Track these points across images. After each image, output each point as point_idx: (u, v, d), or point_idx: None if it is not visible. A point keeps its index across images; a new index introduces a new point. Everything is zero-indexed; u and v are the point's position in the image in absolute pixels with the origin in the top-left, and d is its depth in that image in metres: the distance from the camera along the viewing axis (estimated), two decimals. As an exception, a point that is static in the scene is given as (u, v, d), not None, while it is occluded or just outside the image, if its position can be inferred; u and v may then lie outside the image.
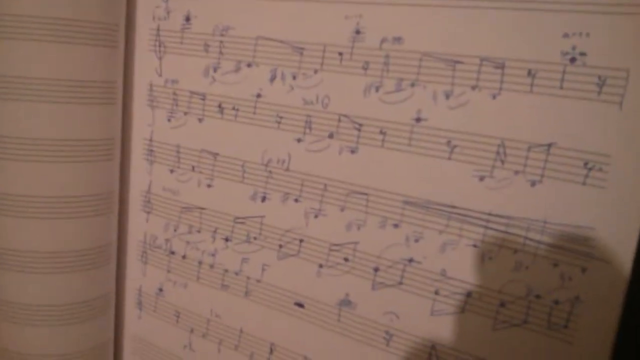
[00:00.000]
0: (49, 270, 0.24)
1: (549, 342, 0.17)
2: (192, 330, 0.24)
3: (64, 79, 0.22)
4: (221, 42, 0.22)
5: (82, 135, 0.23)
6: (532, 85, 0.17)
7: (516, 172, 0.17)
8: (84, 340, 0.25)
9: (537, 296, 0.17)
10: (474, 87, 0.18)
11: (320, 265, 0.21)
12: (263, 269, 0.22)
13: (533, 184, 0.17)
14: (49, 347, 0.24)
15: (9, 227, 0.23)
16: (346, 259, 0.20)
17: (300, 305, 0.21)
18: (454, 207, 0.18)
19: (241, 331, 0.23)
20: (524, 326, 0.17)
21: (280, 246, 0.21)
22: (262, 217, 0.22)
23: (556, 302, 0.17)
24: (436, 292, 0.19)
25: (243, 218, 0.22)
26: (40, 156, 0.23)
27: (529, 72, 0.17)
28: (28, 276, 0.24)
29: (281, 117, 0.21)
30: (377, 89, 0.19)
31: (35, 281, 0.24)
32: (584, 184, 0.16)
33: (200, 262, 0.24)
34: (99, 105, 0.23)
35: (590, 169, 0.16)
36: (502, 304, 0.18)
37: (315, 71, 0.20)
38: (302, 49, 0.20)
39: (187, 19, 0.23)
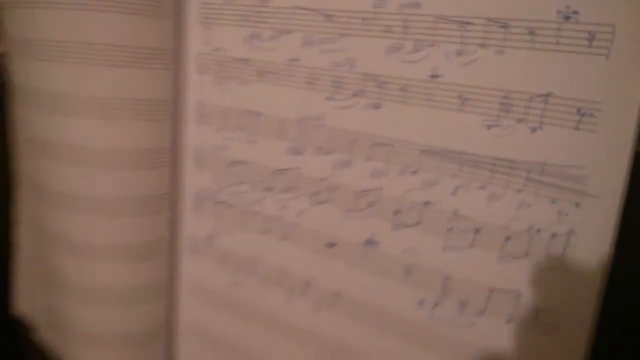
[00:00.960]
0: (111, 214, 0.27)
1: (548, 272, 0.19)
2: (239, 271, 0.27)
3: (126, 45, 0.25)
4: (261, 12, 0.25)
5: (141, 96, 0.26)
6: (532, 42, 0.19)
7: (519, 120, 0.19)
8: (142, 277, 0.28)
9: (538, 230, 0.19)
10: (481, 46, 0.20)
11: (349, 210, 0.23)
12: (299, 215, 0.25)
13: (533, 130, 0.19)
14: (112, 281, 0.28)
15: (75, 175, 0.27)
16: (371, 204, 0.23)
17: (332, 245, 0.24)
18: (465, 153, 0.20)
19: (281, 270, 0.26)
20: (526, 258, 0.20)
21: (314, 194, 0.24)
22: (299, 168, 0.25)
23: (554, 235, 0.19)
24: (449, 230, 0.21)
25: (282, 170, 0.25)
26: (105, 113, 0.26)
27: (529, 31, 0.19)
28: (92, 217, 0.27)
29: (314, 79, 0.24)
30: (397, 50, 0.21)
31: (99, 222, 0.27)
32: (577, 128, 0.18)
33: (245, 211, 0.27)
34: (154, 70, 0.26)
35: (582, 115, 0.18)
36: (507, 239, 0.20)
37: (343, 36, 0.23)
38: (331, 16, 0.23)
39: (231, -8, 0.25)
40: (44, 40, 0.26)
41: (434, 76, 0.21)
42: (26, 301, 0.42)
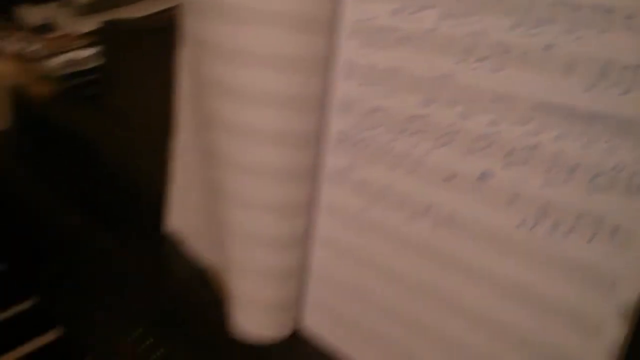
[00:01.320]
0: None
1: (625, 200, 0.25)
2: (370, 197, 0.35)
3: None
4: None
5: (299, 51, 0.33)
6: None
7: (614, 84, 0.25)
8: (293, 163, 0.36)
9: (622, 169, 0.25)
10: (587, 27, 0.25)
11: (467, 151, 0.30)
12: (425, 154, 0.32)
13: (626, 92, 0.25)
14: (272, 161, 0.35)
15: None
16: (486, 146, 0.29)
17: (451, 178, 0.31)
18: (566, 108, 0.26)
19: (406, 196, 0.33)
20: (610, 191, 0.26)
21: (439, 137, 0.31)
22: (428, 116, 0.31)
23: (635, 173, 0.25)
24: (549, 169, 0.27)
25: (413, 117, 0.32)
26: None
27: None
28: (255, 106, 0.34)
29: (448, 45, 0.30)
30: (518, 27, 0.27)
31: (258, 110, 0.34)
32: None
33: (379, 149, 0.34)
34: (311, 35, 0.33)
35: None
36: (596, 175, 0.26)
37: (476, 11, 0.29)
38: (467, -4, 0.29)
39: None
40: None
41: (547, 46, 0.27)
42: (178, 217, 0.52)
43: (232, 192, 0.37)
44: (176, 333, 0.50)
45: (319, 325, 0.40)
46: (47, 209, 0.67)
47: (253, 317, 0.39)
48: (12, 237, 0.76)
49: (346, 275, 0.37)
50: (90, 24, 0.69)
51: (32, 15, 0.72)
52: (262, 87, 0.34)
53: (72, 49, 0.65)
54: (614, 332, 0.26)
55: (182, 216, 0.51)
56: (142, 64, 0.56)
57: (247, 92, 0.34)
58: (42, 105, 0.73)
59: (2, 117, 0.86)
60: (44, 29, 0.72)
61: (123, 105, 0.62)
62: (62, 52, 0.65)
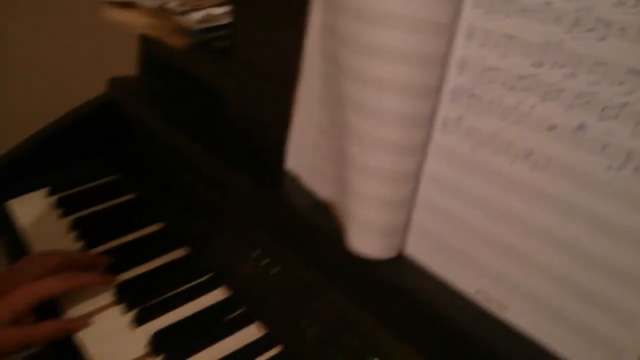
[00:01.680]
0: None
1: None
2: (478, 142, 0.41)
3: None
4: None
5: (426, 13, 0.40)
6: None
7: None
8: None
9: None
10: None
11: (569, 106, 0.36)
12: (531, 107, 0.38)
13: None
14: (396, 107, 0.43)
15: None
16: (585, 103, 0.35)
17: (552, 128, 0.37)
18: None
19: (510, 142, 0.39)
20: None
21: (545, 93, 0.37)
22: (537, 76, 0.37)
23: None
24: (637, 123, 0.33)
25: (524, 76, 0.38)
26: None
27: None
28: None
29: (559, 18, 0.36)
30: (622, 6, 0.33)
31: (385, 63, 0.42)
32: None
33: (490, 102, 0.40)
34: None
35: None
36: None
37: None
38: (580, -24, 0.35)
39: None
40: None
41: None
42: (296, 156, 0.60)
43: (359, 133, 0.45)
44: (290, 253, 0.58)
45: (420, 250, 0.47)
46: (175, 146, 0.77)
47: (366, 239, 0.47)
48: (142, 169, 0.87)
49: (449, 208, 0.44)
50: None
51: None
52: (394, 45, 0.41)
53: (208, 6, 0.74)
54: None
55: (300, 155, 0.59)
56: (272, 19, 0.64)
57: (381, 48, 0.41)
58: (176, 56, 0.83)
59: (133, 64, 0.98)
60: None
61: (252, 58, 0.70)
62: (198, 9, 0.74)
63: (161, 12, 0.82)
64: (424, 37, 0.41)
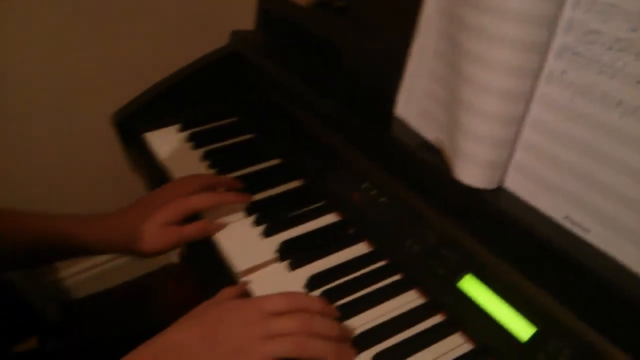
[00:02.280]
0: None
1: None
2: (576, 94, 0.50)
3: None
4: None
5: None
6: None
7: None
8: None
9: None
10: None
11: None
12: (625, 65, 0.46)
13: None
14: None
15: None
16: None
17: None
18: None
19: (613, 97, 0.48)
20: None
21: (638, 54, 0.45)
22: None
23: None
24: None
25: (621, 39, 0.46)
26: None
27: None
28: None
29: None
30: None
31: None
32: None
33: (591, 60, 0.49)
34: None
35: None
36: None
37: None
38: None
39: None
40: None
41: None
42: (406, 103, 0.70)
43: (475, 82, 0.54)
44: (397, 184, 0.69)
45: (517, 183, 0.57)
46: (292, 91, 0.89)
47: (473, 171, 0.57)
48: (261, 112, 0.99)
49: (546, 147, 0.53)
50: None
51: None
52: (512, 6, 0.50)
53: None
54: None
55: (410, 102, 0.69)
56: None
57: (500, 8, 0.50)
58: (296, 12, 0.94)
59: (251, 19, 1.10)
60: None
61: (369, 16, 0.80)
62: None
63: (286, -27, 0.92)
64: (538, 1, 0.49)
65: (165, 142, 0.97)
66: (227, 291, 0.60)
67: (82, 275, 1.64)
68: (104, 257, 1.63)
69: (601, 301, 0.48)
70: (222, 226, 0.74)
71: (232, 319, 0.53)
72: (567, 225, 0.53)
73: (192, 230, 0.71)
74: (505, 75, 0.52)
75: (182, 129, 1.00)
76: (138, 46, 1.33)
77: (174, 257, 1.75)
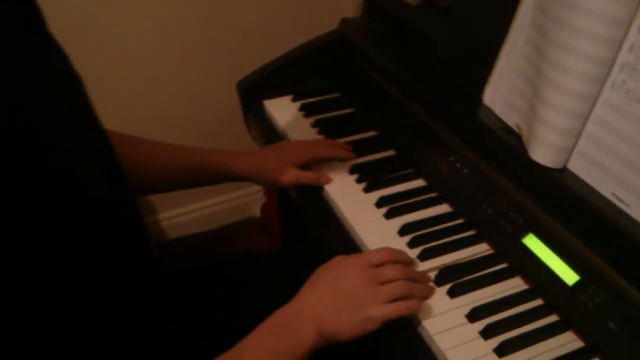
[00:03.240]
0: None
1: None
2: None
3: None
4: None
5: None
6: None
7: None
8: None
9: None
10: None
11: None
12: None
13: None
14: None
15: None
16: None
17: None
18: None
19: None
20: None
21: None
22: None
23: None
24: None
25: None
26: None
27: None
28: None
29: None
30: None
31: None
32: None
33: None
34: None
35: None
36: None
37: None
38: None
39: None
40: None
41: None
42: (494, 92, 0.86)
43: (553, 81, 0.70)
44: (480, 158, 0.85)
45: (579, 165, 0.73)
46: (390, 73, 1.05)
47: (544, 153, 0.73)
48: (361, 90, 1.17)
49: (604, 139, 0.69)
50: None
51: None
52: (590, 29, 0.65)
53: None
54: None
55: (496, 92, 0.85)
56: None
57: (585, 8, 0.65)
58: (400, 6, 1.10)
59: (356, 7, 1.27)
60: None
61: (467, 17, 0.96)
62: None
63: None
64: (611, 28, 0.65)
65: (281, 109, 1.17)
66: (339, 257, 0.75)
67: (175, 219, 1.88)
68: (196, 205, 1.88)
69: (631, 258, 0.64)
70: (330, 180, 0.93)
71: (350, 274, 0.67)
72: (613, 200, 0.68)
73: (311, 175, 0.91)
74: (578, 80, 0.68)
75: (294, 100, 1.19)
76: (256, 23, 1.54)
77: (257, 211, 1.97)
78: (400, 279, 0.70)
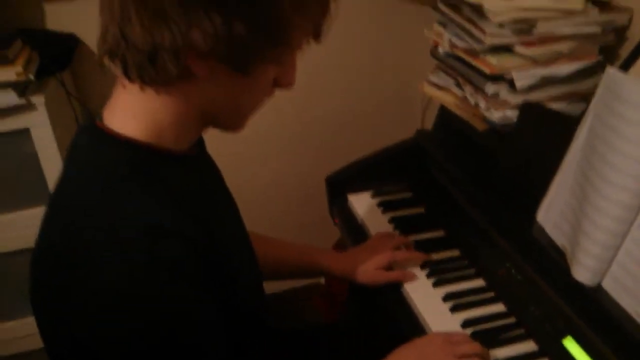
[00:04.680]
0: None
1: None
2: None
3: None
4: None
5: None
6: None
7: None
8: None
9: None
10: None
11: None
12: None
13: None
14: None
15: None
16: None
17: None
18: None
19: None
20: None
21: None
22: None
23: None
24: None
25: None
26: None
27: None
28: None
29: None
30: None
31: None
32: None
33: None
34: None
35: None
36: None
37: None
38: None
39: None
40: None
41: None
42: (546, 212, 1.05)
43: (596, 210, 0.89)
44: (530, 269, 1.04)
45: (611, 285, 0.91)
46: (458, 181, 1.26)
47: (583, 272, 0.92)
48: (431, 192, 1.38)
49: (631, 269, 0.87)
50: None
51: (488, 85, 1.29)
52: (623, 183, 0.84)
53: (505, 109, 1.21)
54: None
55: (549, 213, 1.04)
56: (548, 136, 1.10)
57: (628, 153, 0.85)
58: (469, 128, 1.32)
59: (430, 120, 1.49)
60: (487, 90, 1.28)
61: (528, 145, 1.16)
62: (497, 109, 1.22)
63: (466, 100, 1.31)
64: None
65: (362, 204, 1.39)
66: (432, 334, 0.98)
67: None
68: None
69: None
70: (413, 276, 1.13)
71: (434, 346, 0.89)
72: (637, 318, 0.86)
73: (393, 275, 1.12)
74: (616, 211, 0.86)
75: (373, 196, 1.41)
76: (342, 120, 1.80)
77: (322, 279, 2.17)
78: (477, 354, 0.89)
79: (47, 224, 0.68)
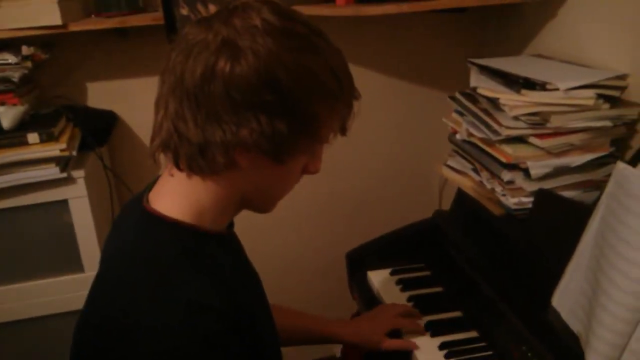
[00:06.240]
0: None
1: None
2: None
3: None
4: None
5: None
6: None
7: None
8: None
9: None
10: None
11: None
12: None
13: None
14: None
15: None
16: None
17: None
18: None
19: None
20: None
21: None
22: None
23: None
24: None
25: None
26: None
27: None
28: None
29: None
30: None
31: None
32: None
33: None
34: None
35: None
36: None
37: None
38: None
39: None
40: None
41: None
42: (559, 297, 1.09)
43: (605, 305, 0.93)
44: (546, 353, 1.07)
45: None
46: (475, 262, 1.30)
47: (596, 358, 0.94)
48: (447, 271, 1.42)
49: (645, 357, 0.90)
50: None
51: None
52: (632, 289, 0.89)
53: (521, 195, 1.27)
54: None
55: (563, 299, 1.08)
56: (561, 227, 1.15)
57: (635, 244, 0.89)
58: (485, 210, 1.37)
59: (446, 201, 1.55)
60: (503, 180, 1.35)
61: (543, 231, 1.21)
62: (513, 196, 1.27)
63: (483, 185, 1.37)
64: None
65: (381, 281, 1.43)
66: None
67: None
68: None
69: None
70: (416, 345, 1.17)
71: None
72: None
73: (401, 343, 1.16)
74: (626, 309, 0.90)
75: (392, 274, 1.45)
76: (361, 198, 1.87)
77: (337, 351, 2.18)
78: None
79: (96, 294, 0.74)
